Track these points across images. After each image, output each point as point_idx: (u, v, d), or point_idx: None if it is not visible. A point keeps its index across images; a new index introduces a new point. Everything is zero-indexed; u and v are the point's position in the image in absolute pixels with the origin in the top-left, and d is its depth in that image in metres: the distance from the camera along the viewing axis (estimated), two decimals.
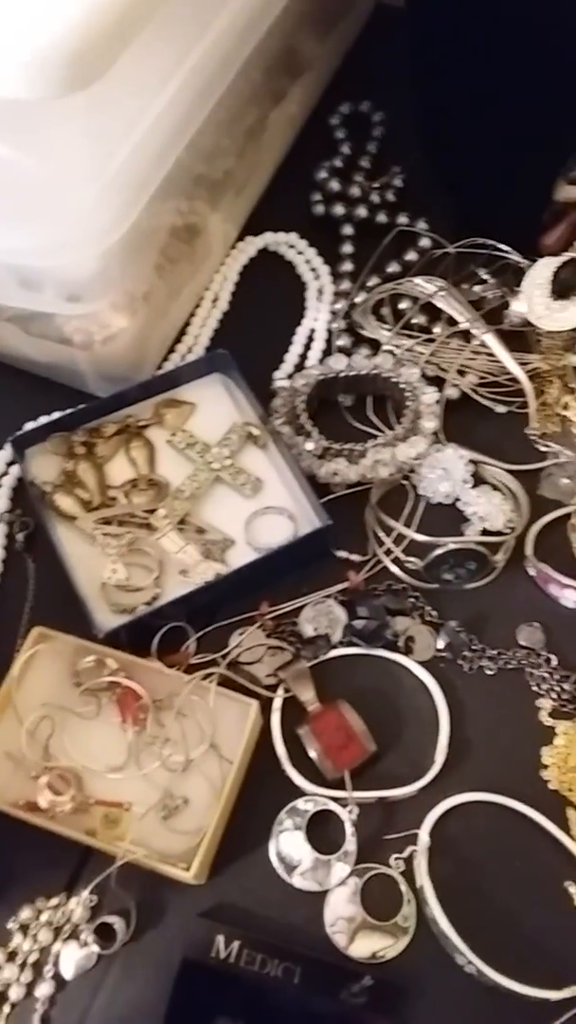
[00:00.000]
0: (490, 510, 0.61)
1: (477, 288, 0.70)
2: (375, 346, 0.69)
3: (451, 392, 0.66)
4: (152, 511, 0.60)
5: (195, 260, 0.68)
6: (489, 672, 0.58)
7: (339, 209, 0.74)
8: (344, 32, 0.82)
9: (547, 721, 0.56)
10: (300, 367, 0.70)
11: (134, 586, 0.57)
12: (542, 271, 0.64)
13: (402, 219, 0.74)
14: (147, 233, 0.58)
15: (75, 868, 0.52)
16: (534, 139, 0.62)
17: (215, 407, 0.65)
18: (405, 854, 0.52)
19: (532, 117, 0.61)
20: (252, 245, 0.74)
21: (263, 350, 0.70)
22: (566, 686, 0.57)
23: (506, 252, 0.69)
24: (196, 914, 0.51)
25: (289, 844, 0.52)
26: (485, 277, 0.70)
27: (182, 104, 0.55)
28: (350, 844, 0.51)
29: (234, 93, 0.62)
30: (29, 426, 0.64)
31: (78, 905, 0.51)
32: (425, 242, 0.72)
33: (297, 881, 0.51)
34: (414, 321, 0.69)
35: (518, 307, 0.67)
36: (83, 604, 0.55)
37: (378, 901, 0.51)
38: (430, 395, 0.64)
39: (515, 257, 0.69)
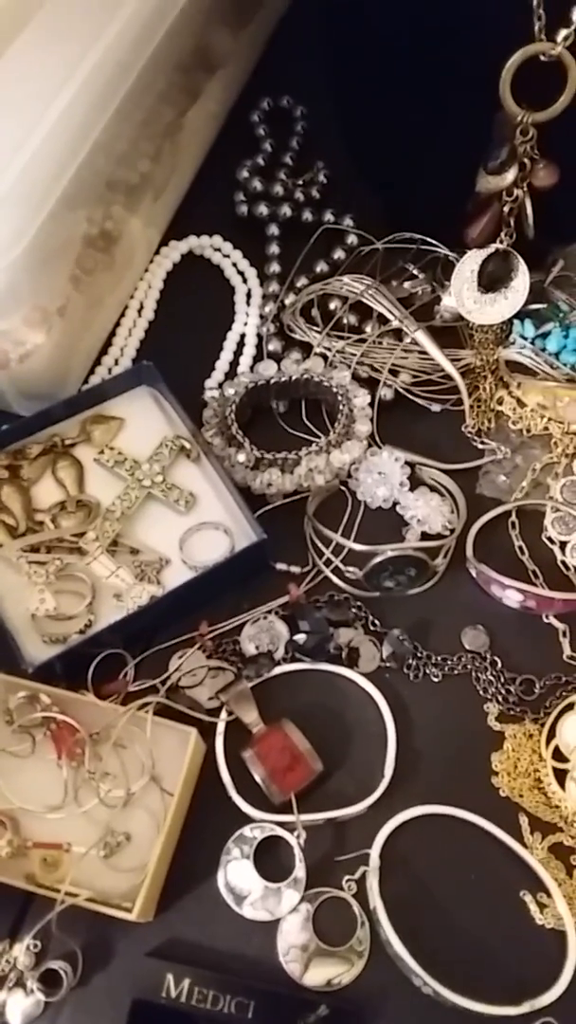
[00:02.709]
0: (428, 512, 0.60)
1: (407, 284, 0.68)
2: (307, 349, 0.67)
3: (385, 393, 0.65)
4: (82, 534, 0.58)
5: (115, 269, 0.66)
6: (435, 679, 0.57)
7: (263, 209, 0.72)
8: (260, 25, 0.80)
9: (495, 726, 0.55)
10: (232, 374, 0.68)
11: (65, 614, 0.55)
12: (469, 265, 0.63)
13: (328, 216, 0.72)
14: (56, 244, 0.55)
15: (17, 913, 0.50)
16: (451, 125, 0.61)
17: (144, 421, 0.63)
18: (357, 875, 0.51)
19: (448, 102, 0.60)
20: (176, 250, 0.72)
21: (193, 358, 0.68)
22: (512, 688, 0.56)
23: (435, 246, 0.68)
24: (144, 953, 0.49)
25: (237, 874, 0.50)
26: (415, 273, 0.69)
27: (80, 109, 0.53)
28: (299, 870, 0.50)
29: (143, 93, 0.60)
30: None
31: (21, 952, 0.49)
32: (352, 239, 0.71)
33: (247, 911, 0.50)
34: (345, 321, 0.67)
35: (449, 302, 0.66)
36: (11, 637, 0.53)
37: (332, 926, 0.50)
38: (362, 398, 0.63)
39: (444, 251, 0.67)
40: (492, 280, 0.63)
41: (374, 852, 0.51)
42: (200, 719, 0.53)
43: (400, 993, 0.48)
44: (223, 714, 0.54)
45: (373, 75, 0.63)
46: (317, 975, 0.48)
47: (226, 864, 0.50)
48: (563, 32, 0.52)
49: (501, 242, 0.62)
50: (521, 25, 0.53)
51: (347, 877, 0.51)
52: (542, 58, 0.53)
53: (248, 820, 0.52)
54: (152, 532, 0.60)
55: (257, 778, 0.52)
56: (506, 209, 0.60)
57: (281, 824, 0.51)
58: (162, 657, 0.56)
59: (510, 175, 0.59)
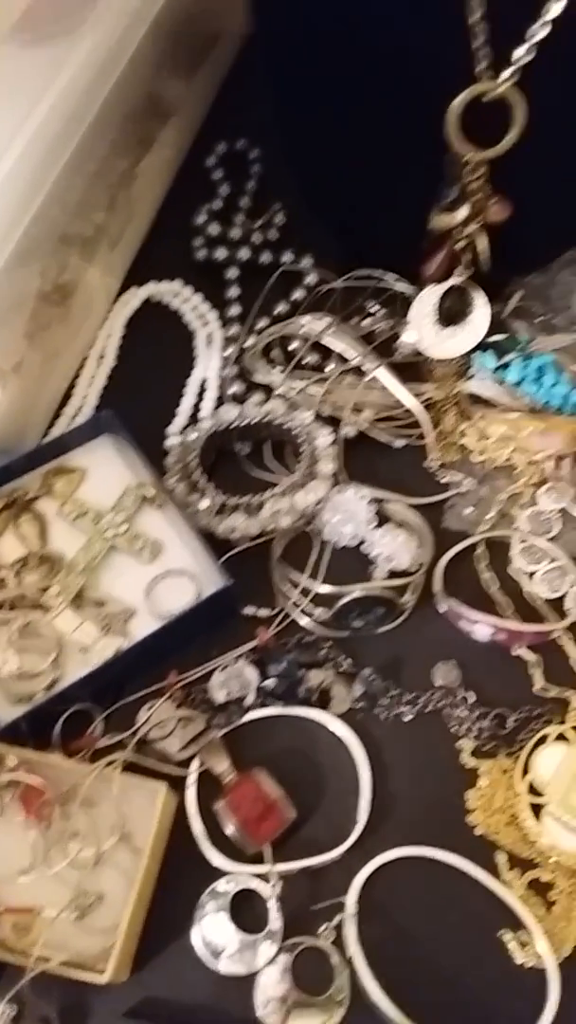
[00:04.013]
0: (395, 549, 0.60)
1: (367, 322, 0.69)
2: (269, 391, 0.67)
3: (348, 431, 0.65)
4: (45, 589, 0.58)
5: (72, 321, 0.66)
6: (407, 718, 0.56)
7: (221, 252, 0.73)
8: (212, 70, 0.81)
9: (469, 763, 0.55)
10: (194, 419, 0.68)
11: (30, 672, 0.55)
12: (427, 300, 0.63)
13: (286, 257, 0.72)
14: (8, 302, 0.55)
15: None
16: (402, 165, 0.61)
17: (107, 470, 0.63)
18: (334, 923, 0.50)
19: (397, 143, 0.60)
20: (135, 297, 0.72)
21: (156, 404, 0.68)
22: (485, 723, 0.56)
23: (392, 283, 0.68)
24: (122, 1014, 0.48)
25: (213, 928, 0.49)
26: (374, 310, 0.69)
27: (29, 164, 0.53)
28: (275, 921, 0.49)
29: (94, 145, 0.60)
30: None
31: None
32: (311, 279, 0.71)
33: (224, 966, 0.49)
34: (306, 361, 0.68)
35: (408, 337, 0.66)
36: None
37: (310, 976, 0.49)
38: (324, 437, 0.63)
39: (402, 287, 0.68)
40: (451, 315, 0.63)
41: (350, 898, 0.50)
42: (170, 772, 0.53)
43: None
44: (194, 765, 0.54)
45: (322, 116, 0.64)
46: None
47: (201, 919, 0.50)
48: (505, 72, 0.53)
49: (458, 277, 0.62)
50: (466, 64, 0.54)
51: (325, 925, 0.50)
52: (484, 100, 0.54)
53: (222, 873, 0.51)
54: (118, 582, 0.59)
55: (228, 831, 0.51)
56: (460, 246, 0.60)
57: (256, 875, 0.50)
58: (132, 709, 0.56)
59: (461, 213, 0.59)
